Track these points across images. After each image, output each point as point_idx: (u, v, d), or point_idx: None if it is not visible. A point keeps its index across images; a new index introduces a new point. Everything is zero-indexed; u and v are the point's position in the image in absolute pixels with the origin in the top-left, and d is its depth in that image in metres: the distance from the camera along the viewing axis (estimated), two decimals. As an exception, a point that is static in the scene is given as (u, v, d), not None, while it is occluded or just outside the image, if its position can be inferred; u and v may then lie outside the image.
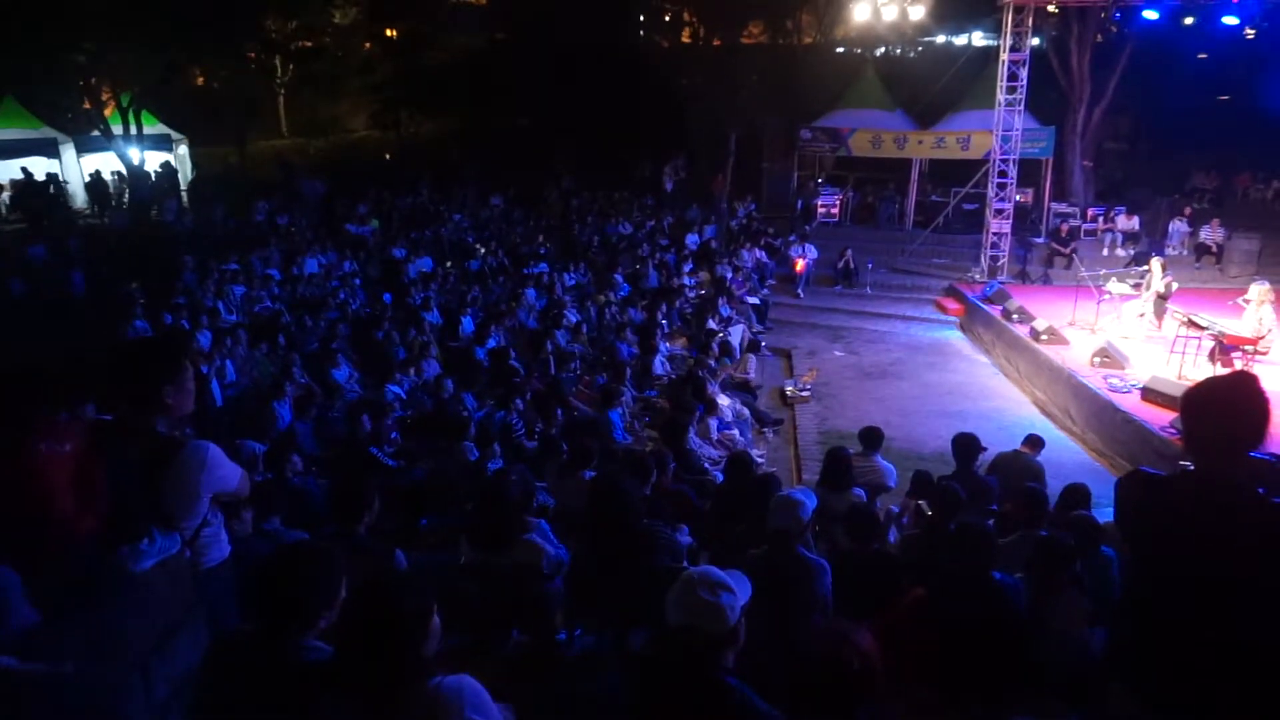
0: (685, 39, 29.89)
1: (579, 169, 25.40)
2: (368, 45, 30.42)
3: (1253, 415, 2.28)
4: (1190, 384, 2.87)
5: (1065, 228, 17.67)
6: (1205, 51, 24.73)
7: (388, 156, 28.13)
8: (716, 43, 26.14)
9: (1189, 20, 17.64)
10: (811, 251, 17.50)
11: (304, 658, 2.23)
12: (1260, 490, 2.31)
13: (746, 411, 10.16)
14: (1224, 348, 10.12)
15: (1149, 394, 9.63)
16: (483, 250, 17.17)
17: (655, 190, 24.18)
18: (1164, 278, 12.32)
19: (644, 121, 23.86)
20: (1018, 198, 17.54)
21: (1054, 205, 19.83)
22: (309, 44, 28.27)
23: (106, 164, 21.90)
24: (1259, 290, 10.62)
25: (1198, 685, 2.29)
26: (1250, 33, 23.57)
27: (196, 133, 24.90)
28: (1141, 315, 12.41)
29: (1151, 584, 2.47)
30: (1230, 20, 16.69)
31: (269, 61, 28.36)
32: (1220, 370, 9.61)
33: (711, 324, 12.83)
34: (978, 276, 16.67)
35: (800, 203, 21.80)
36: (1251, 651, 2.21)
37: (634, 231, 19.66)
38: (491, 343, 11.03)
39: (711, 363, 11.04)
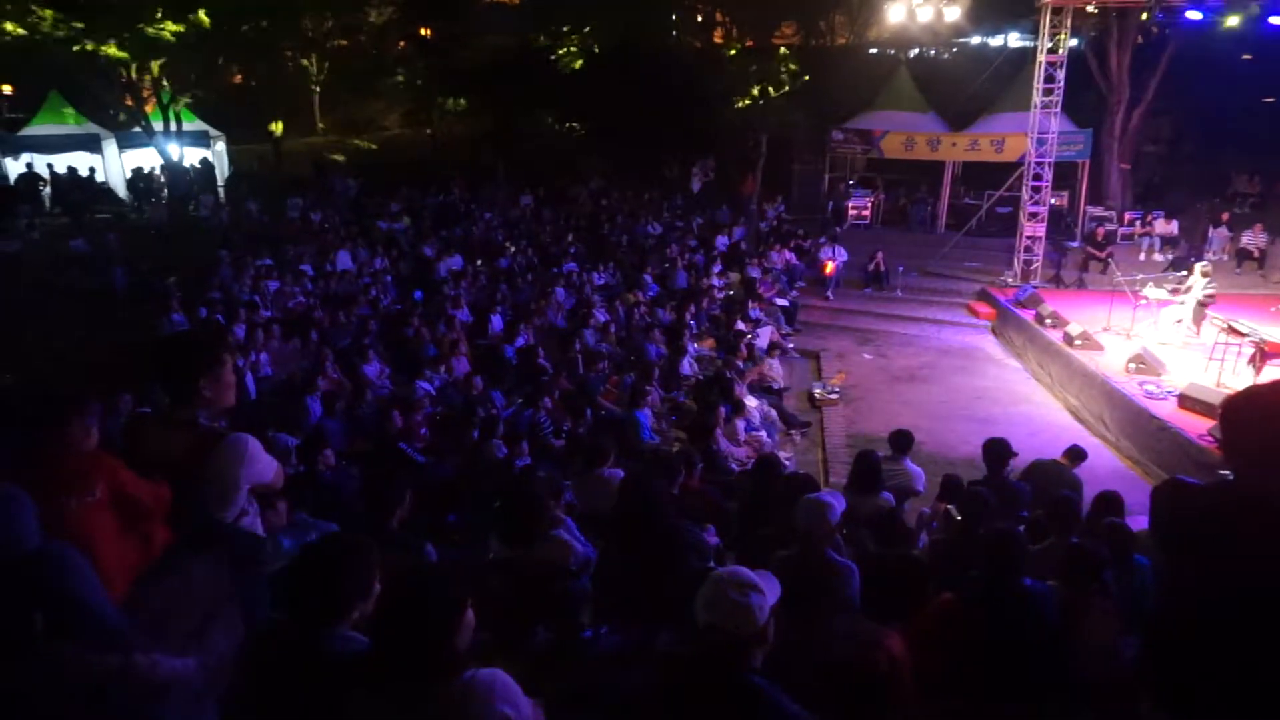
0: (717, 39, 29.84)
1: (609, 169, 25.46)
2: (402, 44, 30.70)
3: (1295, 424, 2.24)
4: (1229, 392, 2.82)
5: (1101, 231, 17.39)
6: (1249, 53, 24.19)
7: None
8: (749, 43, 26.08)
9: (1232, 20, 17.25)
10: (841, 254, 17.39)
11: (338, 648, 2.26)
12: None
13: (774, 413, 10.13)
14: (1265, 355, 9.92)
15: (1186, 401, 9.47)
16: (512, 249, 17.27)
17: (684, 191, 24.18)
18: (1205, 285, 12.06)
19: (673, 122, 23.87)
20: (1053, 201, 17.30)
21: (1090, 209, 19.53)
22: (344, 43, 28.60)
23: (147, 160, 22.34)
24: (1302, 297, 10.41)
25: (1228, 700, 2.26)
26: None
27: (233, 130, 25.30)
28: (1179, 321, 12.19)
29: (1186, 595, 2.43)
30: (1277, 20, 16.34)
31: (305, 60, 28.72)
32: (1261, 378, 9.42)
33: (740, 325, 12.80)
34: (1010, 280, 16.48)
35: (831, 205, 21.68)
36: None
37: (663, 232, 19.68)
38: (520, 341, 11.10)
39: (739, 364, 11.03)
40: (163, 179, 21.96)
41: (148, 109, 21.02)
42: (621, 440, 7.13)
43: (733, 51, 22.52)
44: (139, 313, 11.81)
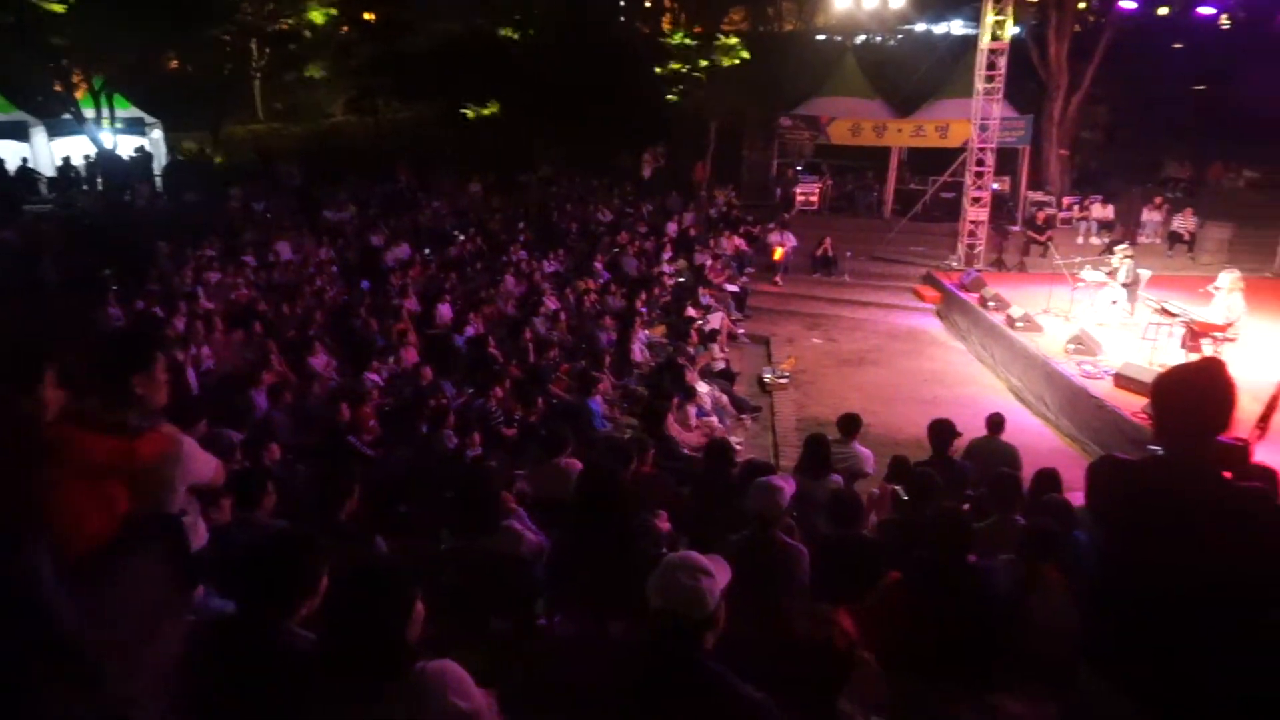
0: (666, 26, 29.80)
1: (558, 155, 25.31)
2: (344, 29, 30.03)
3: (1218, 400, 2.33)
4: (1161, 370, 2.92)
5: (1041, 216, 17.82)
6: (1180, 41, 24.99)
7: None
8: (698, 29, 26.09)
9: (1164, 10, 17.80)
10: (790, 239, 17.56)
11: (287, 644, 2.24)
12: (1225, 474, 2.36)
13: (725, 399, 10.20)
14: (1195, 335, 10.27)
15: (1122, 380, 9.76)
16: (461, 237, 17.09)
17: (635, 178, 24.16)
18: (1130, 267, 12.40)
19: (624, 109, 23.79)
20: (995, 186, 17.65)
21: (1030, 194, 19.99)
22: (286, 27, 27.85)
23: (79, 148, 21.57)
24: (1229, 278, 10.77)
25: (1164, 667, 2.35)
26: (1225, 22, 23.86)
27: (171, 117, 24.55)
28: (1114, 302, 12.55)
29: (1120, 567, 2.52)
30: (1206, 10, 16.87)
31: (244, 45, 27.92)
32: (1191, 357, 9.75)
33: (690, 312, 12.86)
34: (955, 264, 16.80)
35: (779, 190, 21.84)
36: (1216, 632, 2.26)
37: (614, 219, 19.64)
38: (470, 330, 11.00)
39: (690, 350, 11.09)
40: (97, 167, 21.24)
41: (78, 95, 20.28)
42: (574, 429, 7.12)
43: (677, 41, 22.41)
44: (71, 306, 11.42)
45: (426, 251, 15.89)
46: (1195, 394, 2.37)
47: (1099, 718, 2.54)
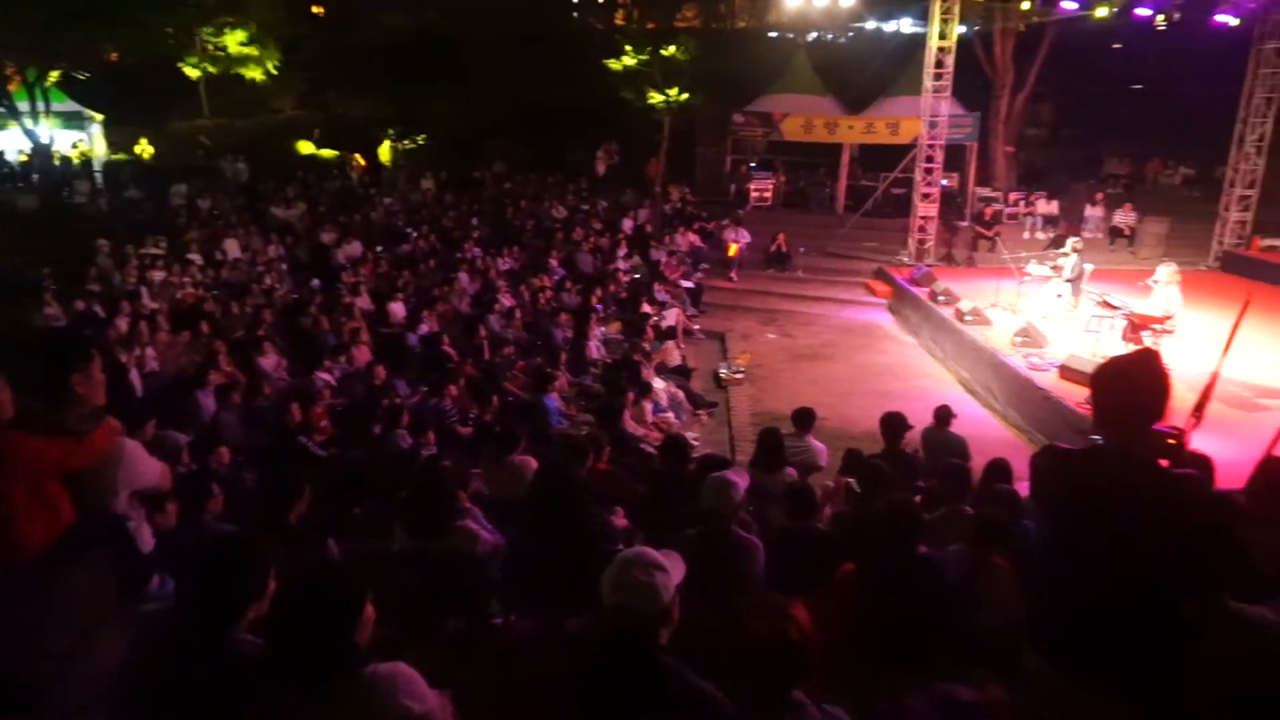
0: (619, 21, 29.78)
1: (512, 152, 25.15)
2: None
3: (1154, 390, 2.40)
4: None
5: (989, 211, 18.17)
6: (1119, 42, 25.70)
7: (316, 132, 27.08)
8: (651, 26, 26.11)
9: (1103, 11, 18.22)
10: (744, 235, 17.66)
11: (234, 649, 2.20)
12: (1162, 462, 2.44)
13: (681, 395, 10.24)
14: (1136, 327, 10.55)
15: (1066, 372, 10.00)
16: (414, 234, 16.89)
17: (589, 175, 24.11)
18: (1077, 261, 12.69)
19: (578, 105, 23.71)
20: (944, 182, 17.95)
21: (978, 190, 20.37)
22: (230, 20, 27.15)
23: (12, 143, 20.85)
24: (1166, 272, 11.07)
25: (1106, 651, 2.41)
26: (1160, 22, 24.53)
27: (113, 111, 23.82)
28: (1059, 296, 12.84)
29: (1062, 553, 2.58)
30: (1143, 12, 17.33)
31: (187, 40, 27.16)
32: (1131, 348, 10.00)
33: (646, 308, 12.87)
34: (906, 259, 17.04)
35: (733, 187, 21.96)
36: (1153, 616, 2.33)
37: (568, 215, 19.58)
38: (424, 328, 10.89)
39: (646, 347, 11.11)
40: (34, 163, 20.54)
41: (11, 87, 19.56)
42: (530, 426, 7.10)
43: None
44: (7, 308, 11.06)
45: (379, 249, 15.68)
46: (1131, 384, 2.44)
47: (1045, 702, 2.60)
